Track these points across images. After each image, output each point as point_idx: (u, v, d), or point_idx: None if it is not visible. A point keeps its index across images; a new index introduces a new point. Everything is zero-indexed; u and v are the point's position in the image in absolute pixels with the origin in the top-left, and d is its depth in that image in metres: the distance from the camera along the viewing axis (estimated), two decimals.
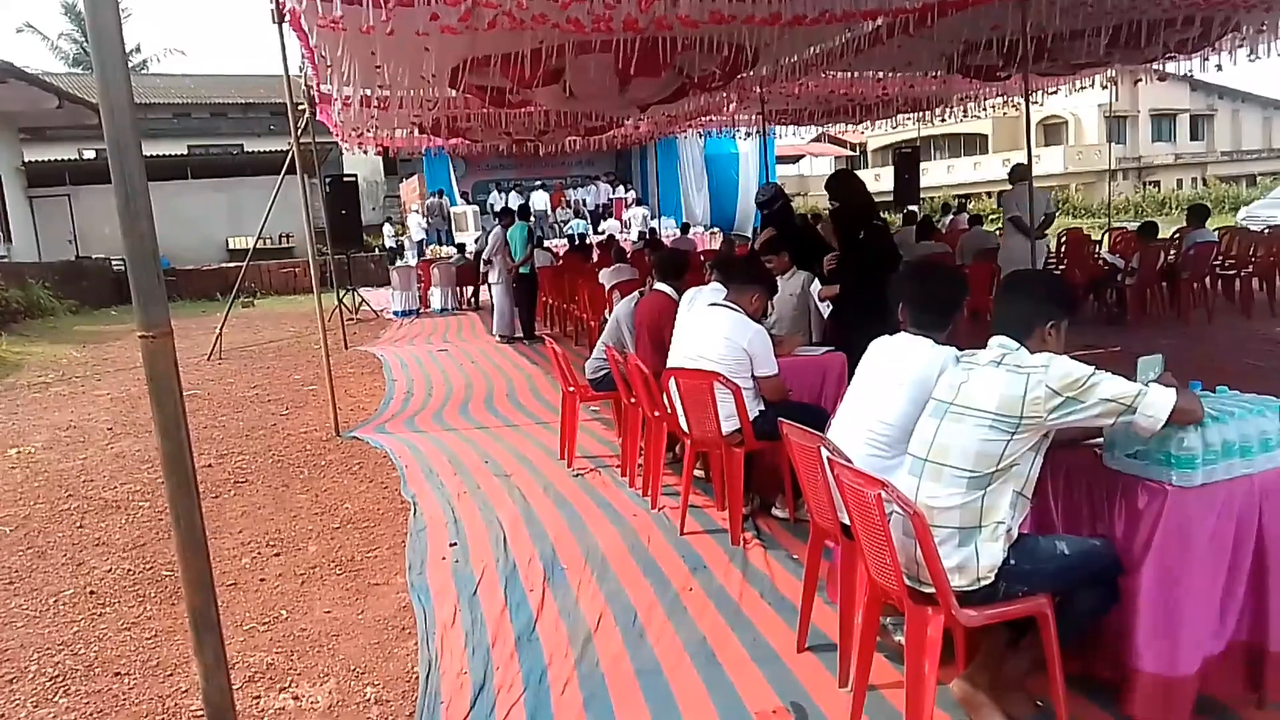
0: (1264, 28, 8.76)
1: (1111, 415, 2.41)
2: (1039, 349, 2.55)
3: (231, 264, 21.40)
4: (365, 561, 4.45)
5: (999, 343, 2.59)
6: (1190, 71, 10.75)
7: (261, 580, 4.34)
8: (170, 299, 18.26)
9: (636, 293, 6.25)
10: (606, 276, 10.11)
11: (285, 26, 6.46)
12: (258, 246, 13.46)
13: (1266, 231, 11.73)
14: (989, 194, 37.77)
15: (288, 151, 9.50)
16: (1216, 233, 10.89)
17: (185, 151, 27.38)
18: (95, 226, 21.92)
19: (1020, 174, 9.89)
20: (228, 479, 6.11)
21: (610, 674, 3.20)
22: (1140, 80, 12.52)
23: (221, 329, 11.97)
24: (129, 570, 4.56)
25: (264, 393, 9.28)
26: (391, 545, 4.64)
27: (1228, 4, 7.42)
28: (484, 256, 12.56)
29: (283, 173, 11.05)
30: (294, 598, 4.10)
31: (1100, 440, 2.72)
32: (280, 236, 23.42)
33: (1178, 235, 10.69)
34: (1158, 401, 2.39)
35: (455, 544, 4.54)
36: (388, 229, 24.59)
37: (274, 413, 8.24)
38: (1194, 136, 43.13)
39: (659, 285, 5.72)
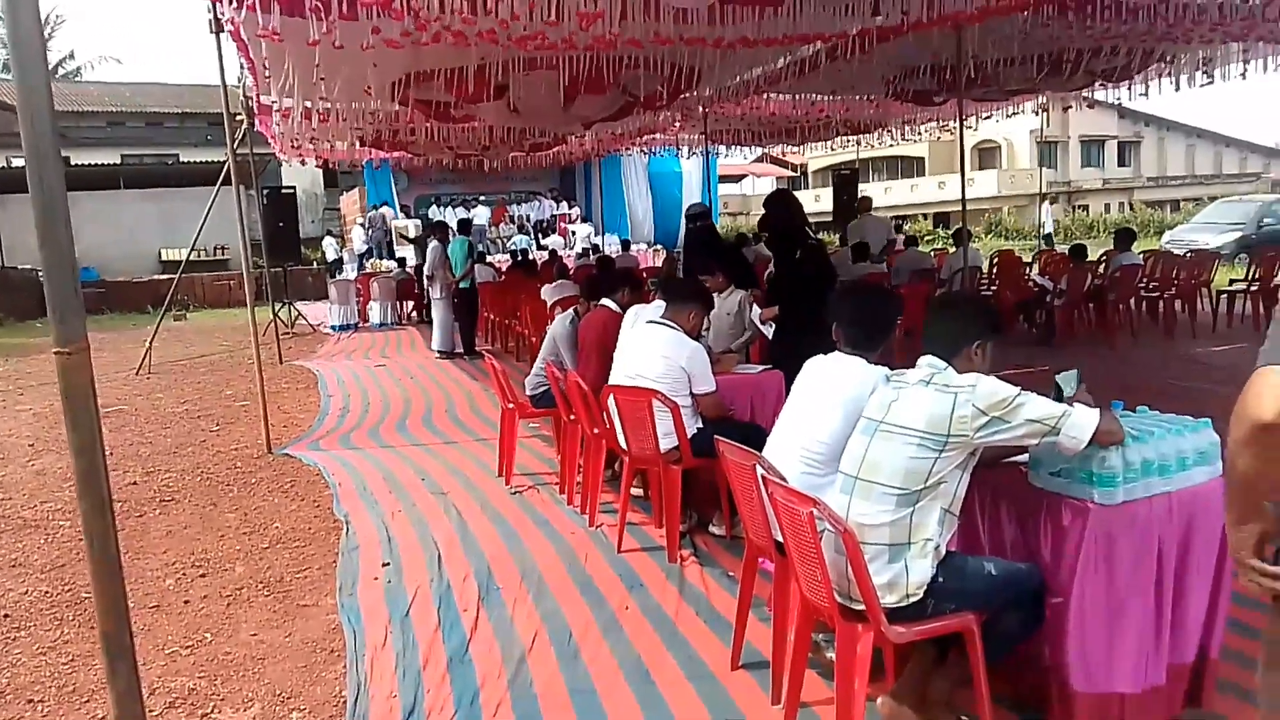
0: (1185, 58, 9.12)
1: (1036, 435, 2.47)
2: (966, 369, 2.61)
3: (164, 276, 20.86)
4: (294, 582, 4.35)
5: (928, 362, 2.64)
6: (1118, 99, 11.14)
7: (186, 602, 4.21)
8: (99, 311, 17.70)
9: (571, 310, 6.25)
10: (548, 293, 10.08)
11: (224, 36, 6.36)
12: (191, 258, 13.15)
13: (1189, 255, 12.14)
14: (925, 215, 38.58)
15: (225, 162, 9.33)
16: (1141, 256, 11.25)
17: (119, 161, 26.69)
18: (23, 237, 21.21)
19: (865, 205, 11.44)
20: (153, 497, 5.94)
21: (544, 695, 3.16)
22: (1070, 107, 12.94)
23: (151, 342, 11.65)
24: (47, 592, 4.39)
25: (194, 408, 9.05)
26: (322, 565, 4.54)
27: (1151, 36, 7.70)
28: (425, 272, 12.44)
29: (219, 183, 10.84)
30: (219, 620, 3.99)
31: (1025, 459, 2.77)
32: (215, 249, 22.90)
33: (1105, 258, 11.01)
34: (1081, 423, 2.45)
35: (388, 564, 4.46)
36: (329, 242, 24.24)
37: (204, 429, 8.04)
38: (1121, 162, 44.56)
39: (604, 301, 5.74)
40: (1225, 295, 10.89)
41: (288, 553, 4.76)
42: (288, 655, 3.60)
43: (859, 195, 12.38)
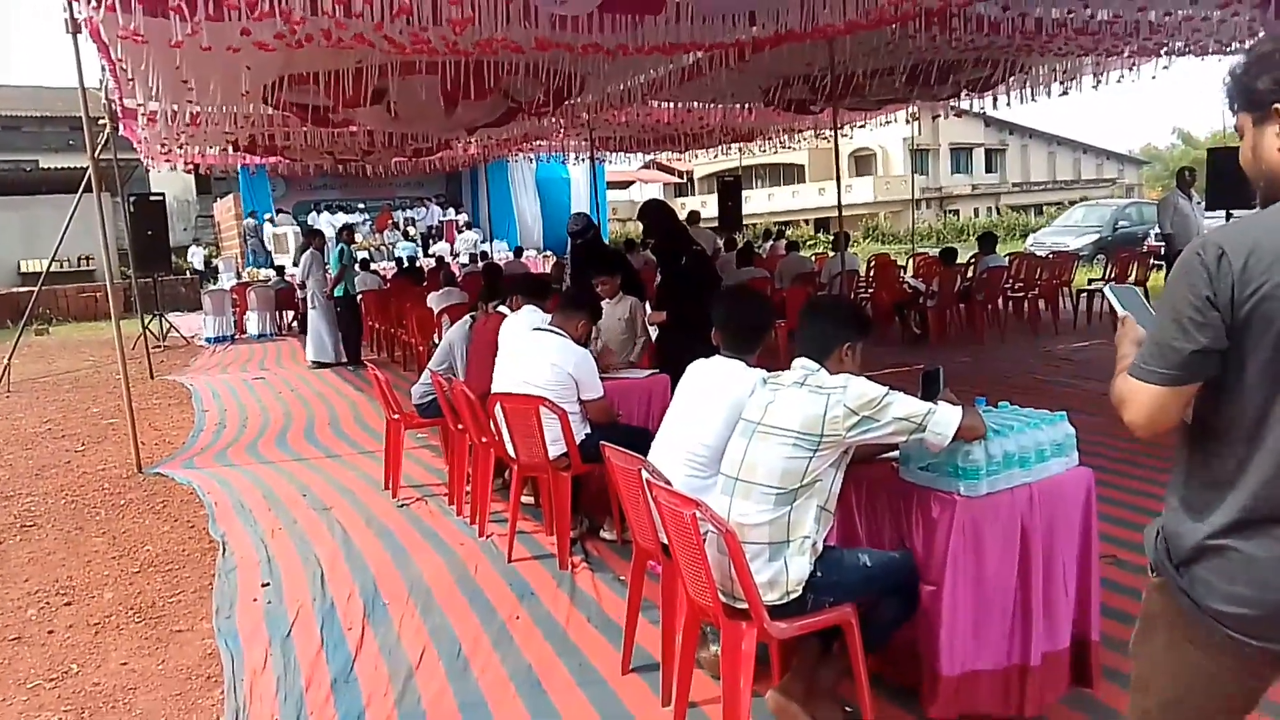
0: (1043, 70, 9.65)
1: (904, 433, 2.57)
2: (838, 370, 2.70)
3: (24, 288, 19.72)
4: (167, 607, 4.17)
5: (801, 364, 2.73)
6: (983, 109, 11.69)
7: (50, 633, 3.99)
8: None
9: (468, 316, 6.18)
10: (435, 300, 9.94)
11: (82, 37, 6.05)
12: (53, 270, 12.44)
13: (1050, 256, 12.83)
14: (806, 221, 39.60)
15: (88, 168, 8.88)
16: (1007, 258, 11.82)
17: None
18: None
19: (694, 219, 13.26)
20: (13, 523, 5.60)
21: (432, 711, 3.12)
22: (939, 116, 13.54)
23: (10, 358, 10.97)
24: None
25: (57, 428, 8.57)
26: (197, 588, 4.36)
27: (1010, 49, 8.10)
28: (297, 280, 12.10)
29: (80, 191, 10.30)
30: (86, 650, 3.79)
31: (897, 454, 2.89)
32: (79, 259, 21.76)
33: (973, 260, 11.54)
34: (945, 419, 2.56)
35: (268, 584, 4.31)
36: (194, 251, 23.38)
37: (68, 449, 7.62)
38: (988, 169, 46.68)
39: (501, 308, 5.71)
40: (1084, 294, 11.53)
41: (160, 576, 4.56)
42: (161, 684, 3.45)
43: (691, 211, 13.51)
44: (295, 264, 16.22)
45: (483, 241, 22.26)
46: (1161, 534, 1.67)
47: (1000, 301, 11.08)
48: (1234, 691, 1.62)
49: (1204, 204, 11.11)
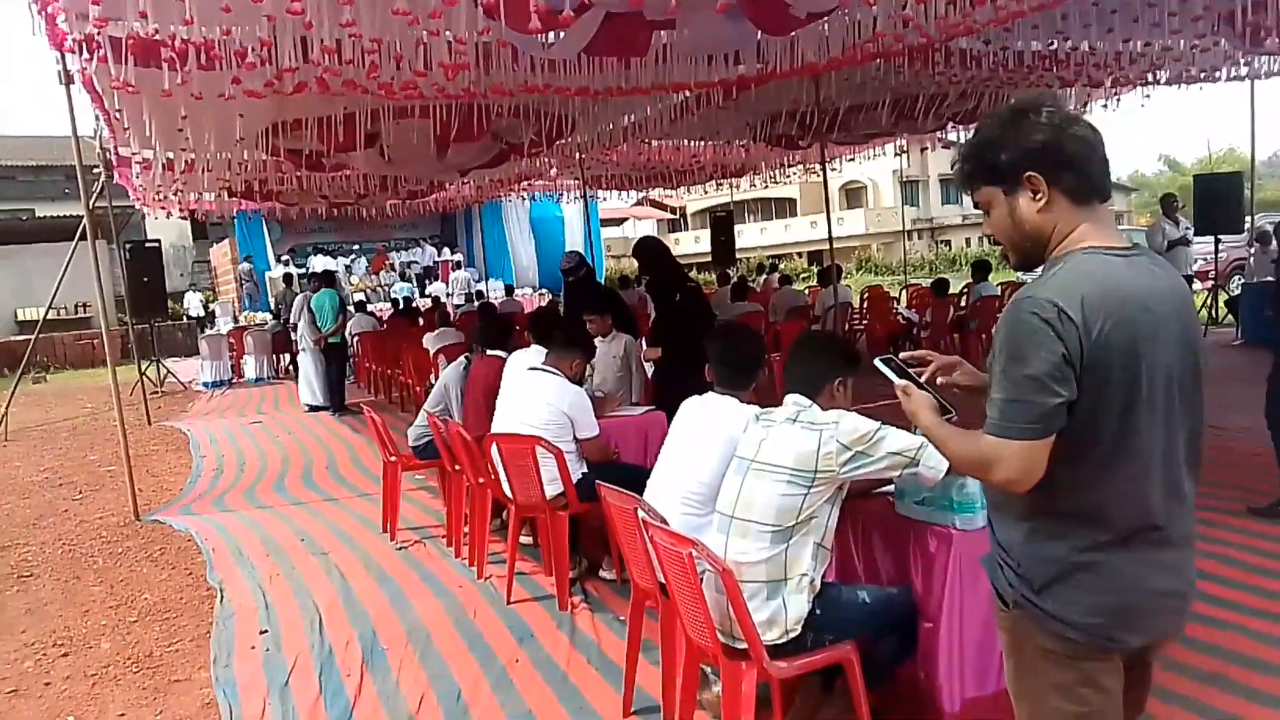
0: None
1: (898, 467, 2.58)
2: (830, 405, 2.71)
3: (21, 337, 19.73)
4: (165, 657, 4.14)
5: (793, 400, 2.74)
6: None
7: (47, 684, 3.96)
8: None
9: (463, 358, 6.19)
10: (431, 341, 9.97)
11: (75, 88, 6.12)
12: (50, 318, 12.45)
13: None
14: (799, 254, 39.80)
15: (84, 216, 8.91)
16: (999, 287, 11.86)
17: None
18: None
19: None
20: (10, 573, 5.57)
21: None
22: (926, 148, 13.66)
23: (8, 407, 10.96)
24: None
25: (55, 476, 8.54)
26: (195, 637, 4.33)
27: (994, 80, 8.20)
28: (290, 323, 12.09)
29: (76, 239, 10.35)
30: (84, 701, 3.76)
31: (892, 489, 2.89)
32: (76, 306, 21.83)
33: (966, 289, 11.59)
34: (938, 453, 2.57)
35: (266, 631, 4.29)
36: (191, 297, 23.45)
37: (66, 498, 7.60)
38: None
39: (490, 351, 5.72)
40: None
41: (158, 625, 4.53)
42: None
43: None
44: (275, 307, 16.28)
45: (478, 281, 22.36)
46: (1009, 567, 1.75)
47: (994, 330, 11.09)
48: (1112, 689, 1.69)
49: (1192, 229, 11.22)
